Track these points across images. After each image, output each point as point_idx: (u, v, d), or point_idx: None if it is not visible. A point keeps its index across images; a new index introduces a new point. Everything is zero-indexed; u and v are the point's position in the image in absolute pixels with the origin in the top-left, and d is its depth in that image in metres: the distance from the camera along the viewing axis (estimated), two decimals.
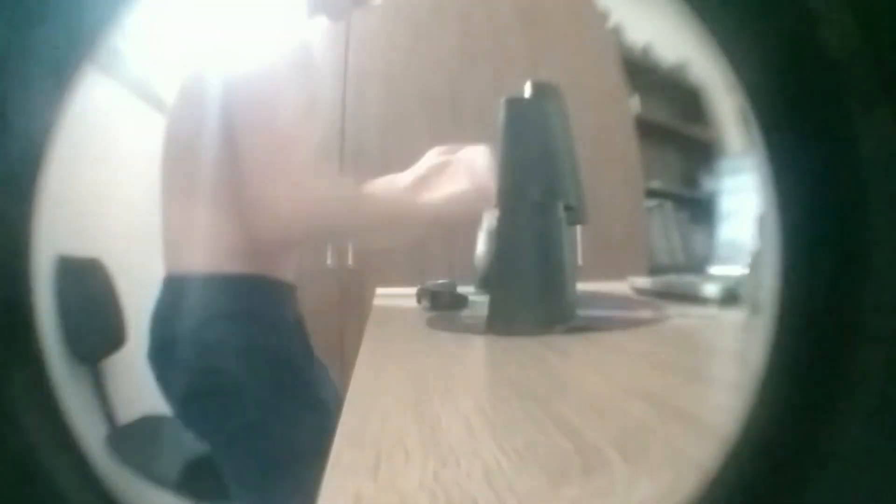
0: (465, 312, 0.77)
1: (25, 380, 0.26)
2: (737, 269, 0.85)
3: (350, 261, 1.75)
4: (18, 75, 0.25)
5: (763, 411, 0.25)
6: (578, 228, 0.87)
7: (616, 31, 2.16)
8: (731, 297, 0.74)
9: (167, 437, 1.07)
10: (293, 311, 0.86)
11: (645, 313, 0.71)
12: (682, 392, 0.39)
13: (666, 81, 2.22)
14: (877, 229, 0.24)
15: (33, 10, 0.25)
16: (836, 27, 0.23)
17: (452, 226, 0.87)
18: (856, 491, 0.24)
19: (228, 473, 0.78)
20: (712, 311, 0.74)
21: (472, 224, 0.92)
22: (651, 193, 2.06)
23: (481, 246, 0.97)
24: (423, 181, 0.80)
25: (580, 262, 0.88)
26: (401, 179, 0.81)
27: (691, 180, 2.26)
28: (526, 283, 0.60)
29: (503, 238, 0.61)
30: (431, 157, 0.85)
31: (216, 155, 0.71)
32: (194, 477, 0.96)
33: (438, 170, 0.82)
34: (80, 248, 1.25)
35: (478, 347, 0.57)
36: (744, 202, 1.02)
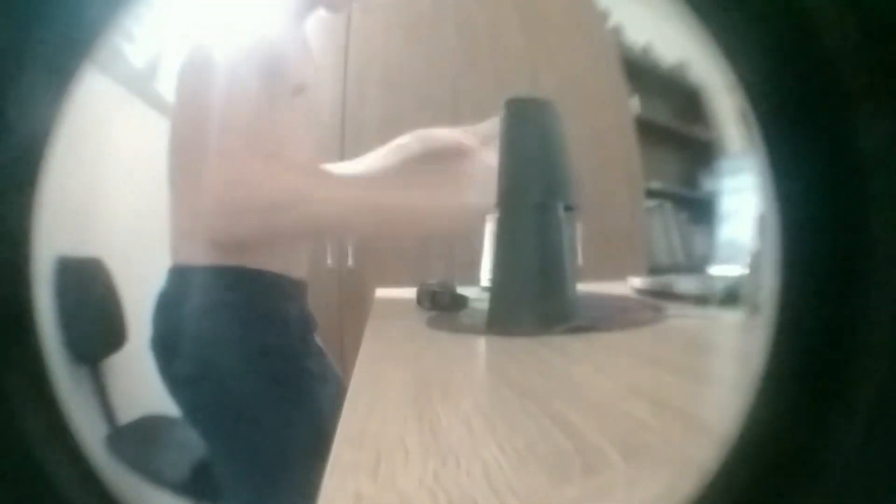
0: (465, 312, 0.77)
1: (25, 380, 0.26)
2: (737, 269, 0.85)
3: (350, 261, 1.75)
4: (18, 75, 0.25)
5: (763, 411, 0.25)
6: (578, 228, 0.87)
7: (616, 31, 2.16)
8: (731, 297, 0.74)
9: (170, 438, 1.07)
10: (297, 307, 0.86)
11: (645, 313, 0.71)
12: (682, 392, 0.39)
13: (666, 81, 2.22)
14: (877, 229, 0.24)
15: (33, 10, 0.25)
16: (837, 27, 0.23)
17: (444, 233, 0.86)
18: (856, 491, 0.24)
19: (223, 468, 0.78)
20: (712, 311, 0.74)
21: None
22: (651, 193, 2.06)
23: (488, 246, 0.97)
24: (417, 172, 0.78)
25: (580, 262, 0.88)
26: (382, 167, 0.78)
27: (691, 180, 2.26)
28: (526, 283, 0.60)
29: (503, 238, 0.62)
30: (414, 143, 0.83)
31: (197, 147, 0.69)
32: (201, 479, 0.96)
33: (448, 158, 0.80)
34: (80, 248, 1.25)
35: (478, 347, 0.57)
36: (744, 202, 1.02)
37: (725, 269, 0.99)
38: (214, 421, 0.76)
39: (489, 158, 0.78)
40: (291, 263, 0.84)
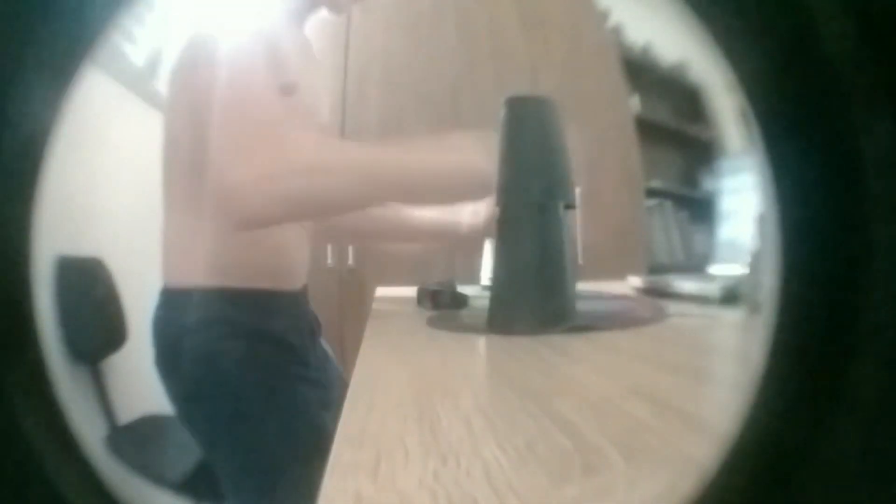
0: (466, 312, 0.77)
1: (25, 380, 0.26)
2: (737, 269, 0.85)
3: (350, 261, 1.75)
4: (19, 75, 0.25)
5: (763, 411, 0.25)
6: (578, 228, 0.87)
7: (616, 31, 2.16)
8: (731, 297, 0.74)
9: (170, 438, 1.07)
10: (295, 317, 0.86)
11: (645, 313, 0.71)
12: (681, 392, 0.39)
13: (666, 81, 2.22)
14: (877, 229, 0.24)
15: (33, 10, 0.25)
16: (837, 27, 0.23)
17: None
18: (856, 491, 0.24)
19: (228, 478, 0.78)
20: (712, 311, 0.74)
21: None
22: (651, 193, 2.06)
23: (488, 245, 0.98)
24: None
25: (580, 261, 0.88)
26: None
27: (691, 180, 2.26)
28: (526, 282, 0.60)
29: (503, 238, 0.62)
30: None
31: (194, 161, 0.68)
32: (201, 479, 0.96)
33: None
34: (80, 248, 1.25)
35: (478, 347, 0.57)
36: (744, 202, 1.02)
37: (725, 269, 0.99)
38: (216, 437, 0.76)
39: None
40: (287, 278, 0.84)
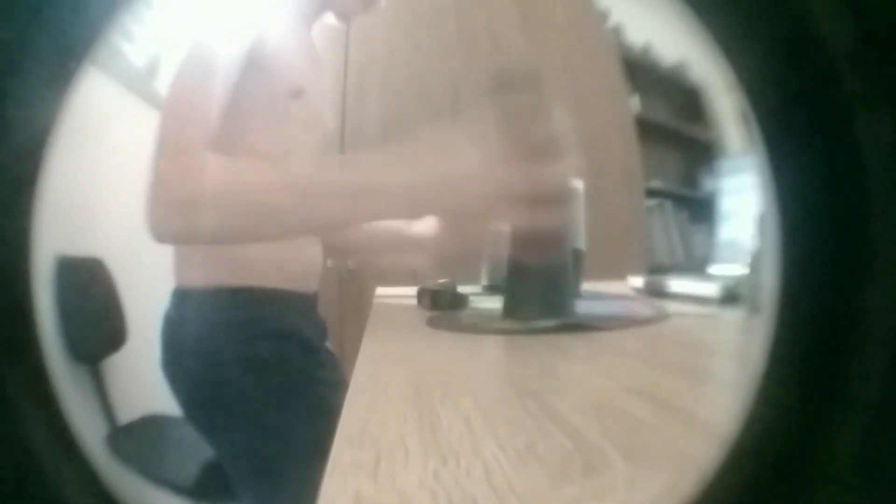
0: (466, 312, 0.77)
1: (25, 380, 0.26)
2: (737, 269, 0.85)
3: (350, 260, 1.75)
4: (18, 75, 0.25)
5: (763, 411, 0.25)
6: (582, 224, 0.87)
7: (616, 31, 2.16)
8: (731, 297, 0.74)
9: (170, 438, 1.07)
10: (307, 319, 0.86)
11: (645, 313, 0.71)
12: (682, 392, 0.39)
13: (666, 81, 2.22)
14: (877, 229, 0.24)
15: (33, 10, 0.25)
16: (837, 26, 0.23)
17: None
18: (856, 491, 0.24)
19: (234, 477, 0.78)
20: (712, 311, 0.74)
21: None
22: (651, 193, 2.06)
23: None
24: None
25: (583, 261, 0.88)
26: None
27: (691, 180, 2.26)
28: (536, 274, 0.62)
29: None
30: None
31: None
32: (202, 479, 0.97)
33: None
34: (80, 248, 1.25)
35: (478, 347, 0.57)
36: (744, 202, 1.02)
37: (725, 269, 0.99)
38: (228, 437, 0.76)
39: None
40: (302, 278, 0.84)
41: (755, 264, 0.65)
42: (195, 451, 0.92)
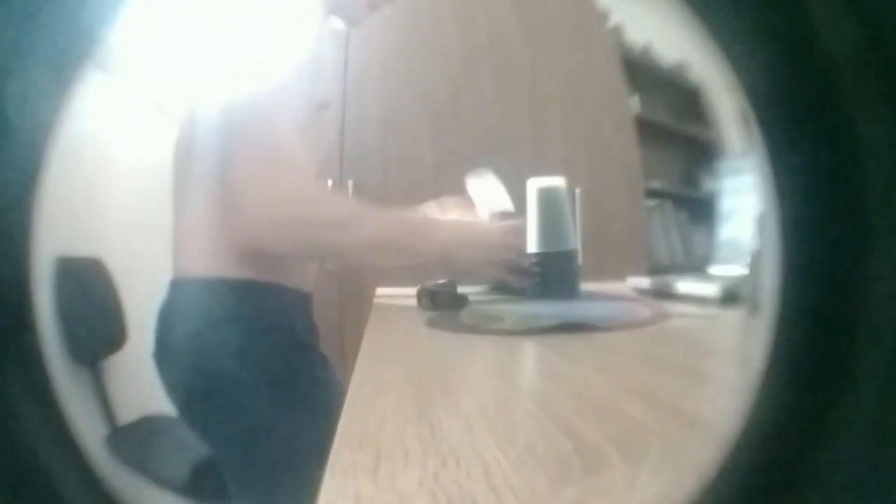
0: (465, 312, 0.77)
1: (25, 380, 0.26)
2: (737, 269, 0.85)
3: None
4: (18, 75, 0.25)
5: (763, 411, 0.25)
6: (579, 225, 0.88)
7: (616, 31, 2.16)
8: (731, 297, 0.74)
9: (171, 438, 1.06)
10: (304, 319, 0.86)
11: (645, 313, 0.71)
12: (682, 392, 0.39)
13: (666, 81, 2.22)
14: (876, 229, 0.24)
15: (33, 10, 0.25)
16: (837, 26, 0.23)
17: (450, 269, 0.88)
18: (856, 491, 0.24)
19: (229, 475, 0.78)
20: (712, 311, 0.74)
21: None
22: (651, 193, 2.06)
23: None
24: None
25: (580, 261, 0.88)
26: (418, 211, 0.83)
27: (691, 180, 2.26)
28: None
29: None
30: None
31: (214, 161, 0.71)
32: (202, 479, 0.96)
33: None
34: (80, 248, 1.25)
35: (478, 347, 0.57)
36: (744, 202, 1.02)
37: (725, 270, 0.99)
38: (222, 431, 0.76)
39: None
40: (300, 277, 0.84)
41: (755, 264, 0.65)
42: (195, 452, 0.92)
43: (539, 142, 1.83)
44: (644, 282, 0.99)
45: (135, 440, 1.22)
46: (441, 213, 0.96)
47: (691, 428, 0.31)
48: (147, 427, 1.24)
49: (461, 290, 0.85)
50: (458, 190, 1.01)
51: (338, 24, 0.86)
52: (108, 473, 0.28)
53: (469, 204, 0.98)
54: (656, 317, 0.69)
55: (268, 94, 0.69)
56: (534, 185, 0.86)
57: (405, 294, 0.94)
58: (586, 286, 0.90)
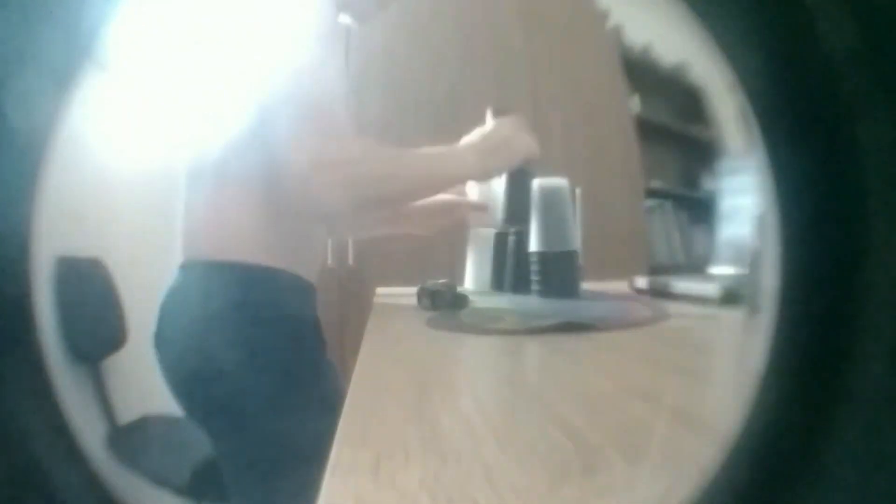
0: (466, 312, 0.77)
1: (25, 380, 0.26)
2: (737, 269, 0.85)
3: (350, 260, 1.75)
4: (18, 75, 0.25)
5: (763, 411, 0.25)
6: (579, 225, 0.88)
7: (616, 31, 2.16)
8: (731, 297, 0.74)
9: (170, 438, 1.07)
10: (306, 308, 0.86)
11: (645, 313, 0.71)
12: (682, 392, 0.39)
13: (666, 81, 2.22)
14: (876, 229, 0.24)
15: (33, 10, 0.25)
16: (836, 27, 0.23)
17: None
18: (856, 491, 0.24)
19: (227, 470, 0.78)
20: (712, 311, 0.74)
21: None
22: (651, 193, 2.06)
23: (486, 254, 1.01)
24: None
25: (581, 262, 0.89)
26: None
27: (691, 180, 2.25)
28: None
29: None
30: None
31: (249, 140, 0.72)
32: (202, 479, 0.96)
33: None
34: (80, 248, 1.25)
35: (478, 347, 0.57)
36: (744, 202, 1.02)
37: (725, 269, 0.99)
38: (225, 419, 0.75)
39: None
40: (306, 265, 0.84)
41: (755, 264, 0.65)
42: (195, 451, 0.92)
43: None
44: (644, 282, 0.99)
45: (135, 440, 1.22)
46: None
47: (691, 428, 0.31)
48: (147, 427, 1.24)
49: (461, 289, 0.85)
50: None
51: (347, 20, 0.86)
52: (108, 473, 0.28)
53: None
54: (656, 317, 0.69)
55: (304, 70, 0.71)
56: (536, 185, 0.86)
57: (405, 294, 0.94)
58: (587, 286, 0.90)
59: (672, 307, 0.75)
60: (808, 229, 0.25)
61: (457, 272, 1.12)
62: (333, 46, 0.77)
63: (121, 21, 0.27)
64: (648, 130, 2.01)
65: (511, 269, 1.01)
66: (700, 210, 2.10)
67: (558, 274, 0.84)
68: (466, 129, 0.84)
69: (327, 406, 0.76)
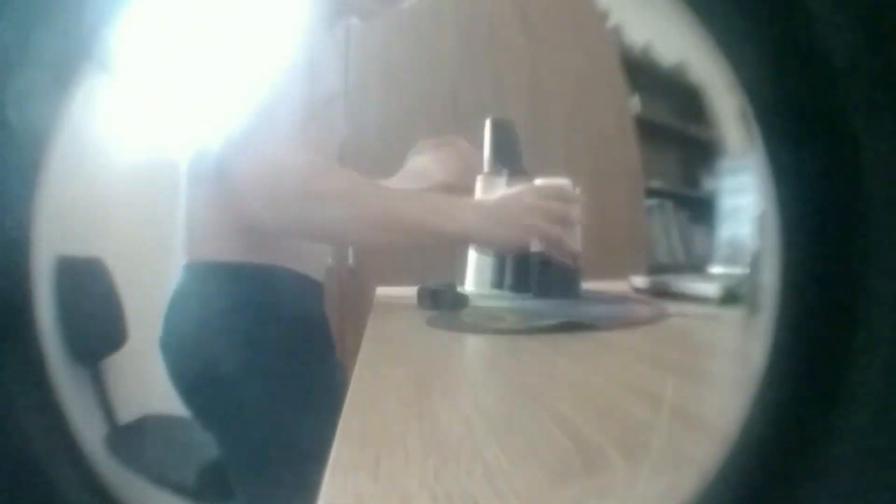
0: (466, 312, 0.77)
1: (25, 380, 0.26)
2: (737, 269, 0.85)
3: (350, 260, 1.75)
4: (18, 75, 0.25)
5: (763, 411, 0.25)
6: (578, 227, 0.88)
7: (616, 31, 2.16)
8: (731, 297, 0.74)
9: (170, 438, 1.06)
10: (314, 307, 0.85)
11: (645, 313, 0.71)
12: (682, 392, 0.39)
13: (666, 81, 2.21)
14: (876, 229, 0.24)
15: (33, 10, 0.25)
16: (836, 27, 0.23)
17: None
18: (856, 491, 0.24)
19: (232, 469, 0.78)
20: (712, 311, 0.74)
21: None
22: (651, 193, 2.06)
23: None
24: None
25: (581, 262, 0.89)
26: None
27: (691, 180, 2.25)
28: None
29: None
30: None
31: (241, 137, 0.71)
32: (203, 480, 0.96)
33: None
34: (80, 248, 1.24)
35: (478, 347, 0.57)
36: (744, 202, 1.02)
37: (725, 269, 0.99)
38: (234, 422, 0.75)
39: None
40: (314, 264, 0.84)
41: (755, 264, 0.65)
42: (196, 452, 0.92)
43: (539, 142, 1.83)
44: (644, 281, 0.99)
45: (135, 440, 1.22)
46: (438, 161, 0.95)
47: (691, 428, 0.31)
48: (147, 427, 1.24)
49: (461, 289, 0.85)
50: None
51: (352, 19, 0.86)
52: (108, 473, 0.28)
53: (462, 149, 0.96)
54: (656, 316, 0.69)
55: (269, 84, 0.69)
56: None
57: (405, 293, 0.94)
58: (587, 286, 0.90)
59: (672, 306, 0.75)
60: (808, 229, 0.25)
61: (457, 272, 1.11)
62: (314, 50, 0.74)
63: (121, 21, 0.27)
64: (648, 130, 2.01)
65: (511, 269, 1.01)
66: (700, 210, 2.10)
67: (559, 274, 0.84)
68: (466, 130, 0.83)
69: (333, 405, 0.76)
